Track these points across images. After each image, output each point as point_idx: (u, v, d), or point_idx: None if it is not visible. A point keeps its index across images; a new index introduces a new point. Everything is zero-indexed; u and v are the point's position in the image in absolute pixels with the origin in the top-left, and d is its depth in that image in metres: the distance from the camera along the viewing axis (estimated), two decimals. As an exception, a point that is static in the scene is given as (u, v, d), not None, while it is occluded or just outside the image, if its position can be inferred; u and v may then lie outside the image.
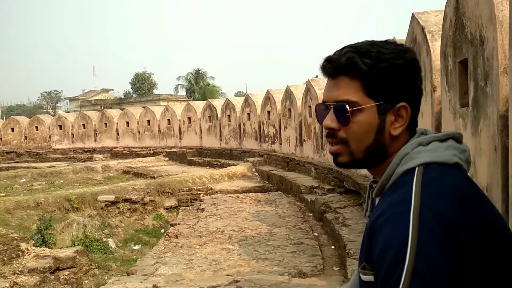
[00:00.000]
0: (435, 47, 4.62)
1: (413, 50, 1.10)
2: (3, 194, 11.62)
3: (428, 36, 4.74)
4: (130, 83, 52.88)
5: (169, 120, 20.90)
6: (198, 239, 7.11)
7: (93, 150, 22.54)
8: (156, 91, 50.89)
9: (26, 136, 25.00)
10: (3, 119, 31.96)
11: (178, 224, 8.35)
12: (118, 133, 22.89)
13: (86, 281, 6.24)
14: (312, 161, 11.63)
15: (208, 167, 15.87)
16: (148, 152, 20.34)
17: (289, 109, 13.74)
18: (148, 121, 21.81)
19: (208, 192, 11.07)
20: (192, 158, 17.80)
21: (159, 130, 21.35)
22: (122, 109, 25.32)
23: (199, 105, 20.23)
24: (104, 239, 8.58)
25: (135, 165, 16.88)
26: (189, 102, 24.11)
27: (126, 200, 10.40)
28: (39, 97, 64.90)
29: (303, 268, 5.43)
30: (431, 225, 0.87)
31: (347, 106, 1.02)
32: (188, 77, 48.44)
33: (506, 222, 1.00)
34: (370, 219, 1.01)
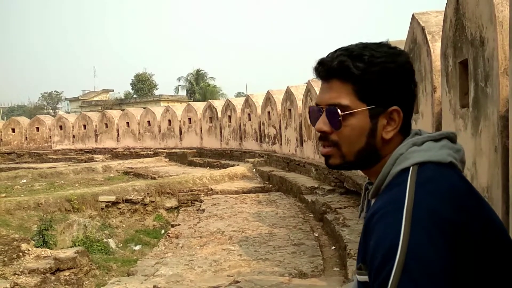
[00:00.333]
0: (436, 47, 4.62)
1: (406, 53, 1.10)
2: (4, 195, 11.62)
3: (429, 37, 4.75)
4: (130, 83, 52.96)
5: (169, 120, 20.91)
6: (198, 240, 7.11)
7: (93, 151, 22.56)
8: (156, 92, 50.96)
9: (26, 137, 25.02)
10: (3, 119, 31.99)
11: (179, 224, 8.35)
12: (118, 134, 22.91)
13: (86, 282, 6.24)
14: (312, 162, 11.63)
15: (208, 167, 15.87)
16: (149, 152, 20.36)
17: (290, 110, 13.75)
18: (149, 121, 21.83)
19: (208, 192, 11.07)
20: (192, 158, 17.81)
21: (159, 131, 21.36)
22: (123, 110, 25.33)
23: (199, 106, 20.24)
24: (105, 240, 8.59)
25: (135, 166, 16.89)
26: (190, 102, 24.14)
27: (126, 201, 10.41)
28: (39, 97, 64.94)
29: (304, 269, 5.43)
30: (424, 222, 0.87)
31: (339, 110, 1.03)
32: (188, 78, 48.48)
33: (505, 223, 1.00)
34: (364, 220, 1.01)
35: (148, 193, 10.77)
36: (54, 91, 64.64)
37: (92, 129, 23.51)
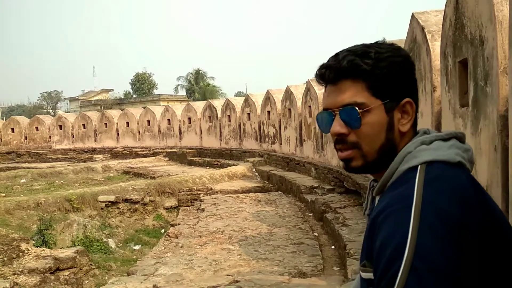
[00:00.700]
0: (435, 47, 4.62)
1: (404, 48, 1.11)
2: (3, 195, 11.62)
3: (428, 36, 4.74)
4: (130, 83, 52.93)
5: (169, 120, 20.90)
6: (198, 239, 7.11)
7: (93, 150, 22.55)
8: (156, 91, 50.92)
9: (26, 137, 25.01)
10: (3, 119, 31.93)
11: (178, 224, 8.35)
12: (118, 133, 22.90)
13: (86, 281, 6.24)
14: (312, 161, 11.63)
15: (208, 167, 15.87)
16: (148, 152, 20.35)
17: (289, 109, 13.75)
18: (148, 121, 21.82)
19: (208, 192, 11.07)
20: (192, 158, 17.81)
21: (159, 131, 21.35)
22: (122, 109, 25.32)
23: (199, 105, 20.24)
24: (104, 239, 8.58)
25: (135, 165, 16.89)
26: (189, 102, 24.11)
27: (126, 200, 10.40)
28: (39, 97, 64.90)
29: (303, 268, 5.43)
30: (432, 221, 0.87)
31: (357, 108, 1.02)
32: (188, 77, 48.45)
33: (508, 222, 1.00)
34: (370, 217, 1.01)
35: (147, 193, 10.77)
36: (54, 91, 64.63)
37: (91, 129, 23.49)
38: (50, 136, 24.65)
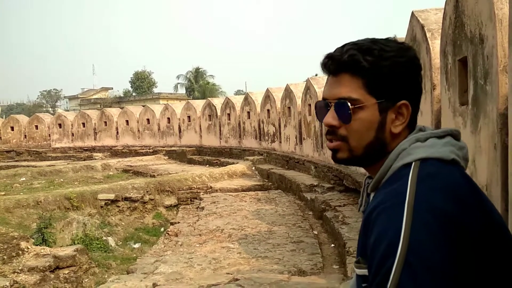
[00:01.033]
0: (435, 45, 4.62)
1: (414, 49, 1.10)
2: (3, 193, 11.62)
3: (428, 34, 4.74)
4: (129, 81, 52.90)
5: (168, 118, 20.90)
6: (198, 238, 7.11)
7: (92, 149, 22.56)
8: (155, 90, 50.94)
9: (25, 135, 25.00)
10: (2, 117, 31.95)
11: (178, 222, 8.35)
12: (117, 132, 22.90)
13: (86, 280, 6.24)
14: (312, 160, 11.63)
15: (208, 165, 15.87)
16: (148, 150, 20.35)
17: (289, 108, 13.74)
18: (148, 119, 21.81)
19: (208, 190, 11.07)
20: (191, 156, 17.81)
21: (158, 129, 21.35)
22: (122, 108, 25.30)
23: (198, 104, 20.23)
24: (104, 238, 8.58)
25: (134, 164, 16.90)
26: (189, 100, 24.10)
27: (126, 199, 10.40)
28: (38, 95, 64.79)
29: (303, 266, 5.44)
30: (425, 217, 0.87)
31: (349, 104, 1.02)
32: (187, 76, 48.44)
33: (504, 220, 1.00)
34: (365, 213, 1.01)
35: (147, 191, 10.77)
36: (53, 89, 64.55)
37: (91, 127, 23.49)
38: (49, 135, 24.65)
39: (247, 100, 16.84)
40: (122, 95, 51.22)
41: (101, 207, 10.06)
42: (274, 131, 15.06)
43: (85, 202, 9.93)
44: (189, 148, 18.76)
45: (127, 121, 22.57)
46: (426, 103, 4.84)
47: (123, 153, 21.03)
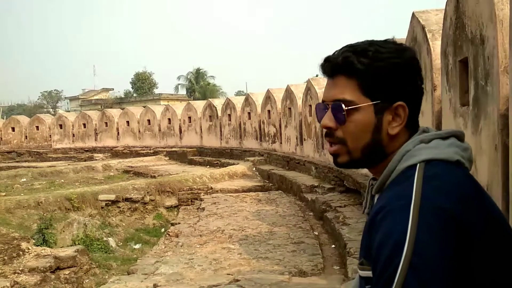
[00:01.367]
0: (436, 46, 4.62)
1: (412, 49, 1.10)
2: (4, 194, 11.63)
3: (429, 35, 4.74)
4: (130, 82, 52.85)
5: (169, 119, 20.91)
6: (198, 238, 7.11)
7: (93, 150, 22.57)
8: (156, 91, 50.89)
9: (26, 136, 25.02)
10: (3, 118, 31.97)
11: (179, 223, 8.35)
12: (118, 133, 22.92)
13: (86, 280, 6.25)
14: (312, 160, 11.63)
15: (208, 166, 15.88)
16: (149, 151, 20.36)
17: (290, 108, 13.75)
18: (149, 120, 21.83)
19: (208, 191, 11.07)
20: (192, 157, 17.82)
21: (159, 130, 21.36)
22: (123, 109, 25.33)
23: (199, 105, 20.24)
24: (105, 238, 8.59)
25: (135, 165, 16.91)
26: (190, 101, 24.13)
27: (126, 200, 10.41)
28: (39, 96, 64.77)
29: (304, 267, 5.43)
30: (431, 219, 0.87)
31: (343, 105, 1.03)
32: (188, 77, 48.46)
33: (507, 221, 1.00)
34: (370, 215, 1.01)
35: (148, 192, 10.78)
36: (54, 90, 64.55)
37: (92, 128, 23.51)
38: (50, 135, 24.67)
39: (248, 100, 16.85)
40: (123, 96, 51.23)
41: (102, 207, 10.07)
42: (275, 131, 15.07)
43: (86, 203, 9.94)
44: (190, 149, 18.77)
45: (127, 122, 22.59)
46: (426, 104, 4.84)
47: (123, 154, 21.04)
